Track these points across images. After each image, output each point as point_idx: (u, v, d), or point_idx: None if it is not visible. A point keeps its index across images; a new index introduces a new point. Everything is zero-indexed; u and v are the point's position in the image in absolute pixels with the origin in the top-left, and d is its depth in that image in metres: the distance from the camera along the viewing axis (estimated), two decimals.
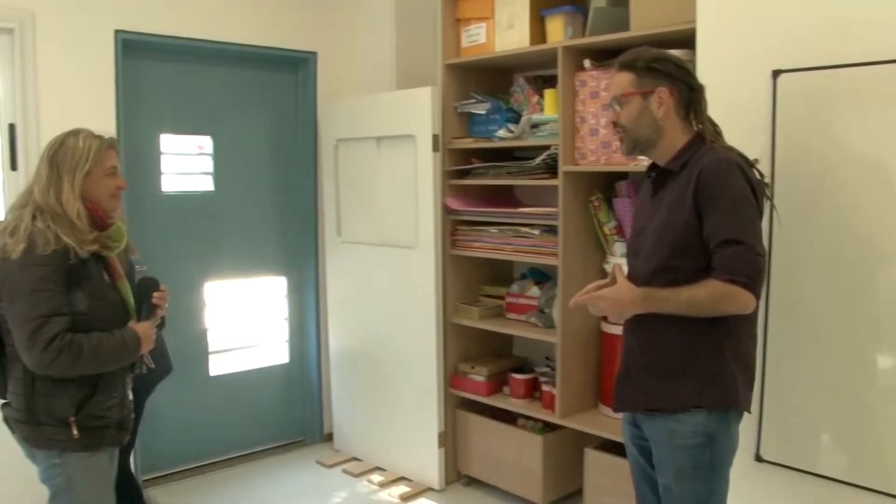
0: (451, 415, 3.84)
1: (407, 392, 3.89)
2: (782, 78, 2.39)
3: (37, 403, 2.10)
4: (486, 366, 3.70)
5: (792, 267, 2.41)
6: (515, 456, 3.56)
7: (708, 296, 1.93)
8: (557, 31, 3.29)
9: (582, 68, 3.17)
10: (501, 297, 3.77)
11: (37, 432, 2.11)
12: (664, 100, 2.06)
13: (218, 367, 4.20)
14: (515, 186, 3.84)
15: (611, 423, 3.16)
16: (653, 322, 2.05)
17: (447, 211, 3.71)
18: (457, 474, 3.89)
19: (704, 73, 2.57)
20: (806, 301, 2.39)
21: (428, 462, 3.82)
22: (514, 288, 3.70)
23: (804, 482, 2.42)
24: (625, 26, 3.00)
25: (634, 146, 2.14)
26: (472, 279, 3.88)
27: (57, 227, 2.07)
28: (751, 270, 1.91)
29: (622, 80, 2.11)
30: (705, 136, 2.10)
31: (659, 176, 2.15)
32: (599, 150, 3.12)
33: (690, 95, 2.10)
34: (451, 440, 3.85)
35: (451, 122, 3.72)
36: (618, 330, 3.09)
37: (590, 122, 3.13)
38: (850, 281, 2.30)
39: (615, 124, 2.15)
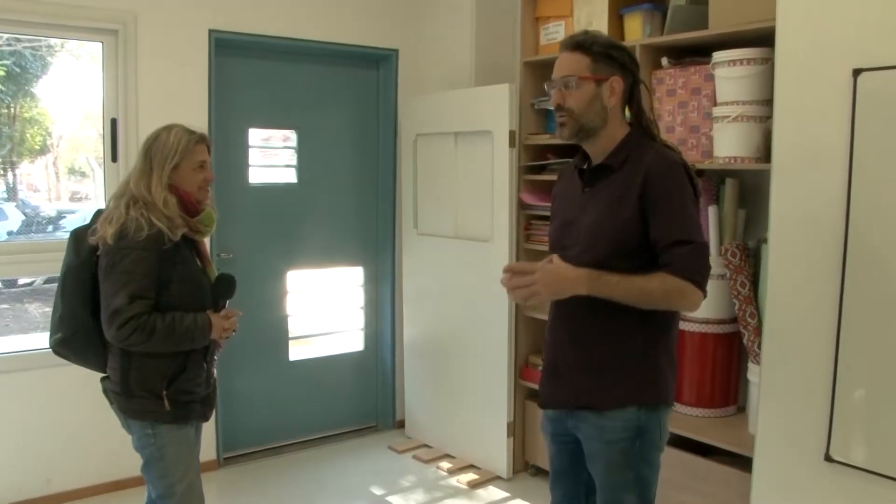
0: (520, 405, 3.91)
1: (478, 382, 3.97)
2: (863, 77, 2.35)
3: (132, 378, 2.27)
4: None
5: (867, 269, 2.38)
6: None
7: (662, 289, 1.88)
8: (636, 29, 3.31)
9: (660, 66, 3.18)
10: None
11: (132, 404, 2.28)
12: (616, 89, 1.99)
13: (297, 352, 4.38)
14: None
15: (677, 419, 3.16)
16: (586, 317, 1.99)
17: (522, 206, 3.77)
18: (524, 464, 3.96)
19: (784, 71, 2.57)
20: (882, 302, 2.36)
21: (496, 451, 3.90)
22: None
23: (874, 484, 2.39)
24: (703, 24, 3.00)
25: (578, 132, 2.02)
26: None
27: (150, 214, 2.22)
28: (704, 270, 1.91)
29: (576, 62, 1.98)
30: (650, 130, 2.04)
31: (595, 170, 2.06)
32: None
33: (633, 89, 2.04)
34: (519, 430, 3.91)
35: (527, 118, 3.78)
36: (690, 327, 3.12)
37: (666, 119, 3.15)
38: None
39: (559, 107, 2.02)
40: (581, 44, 1.99)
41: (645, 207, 1.92)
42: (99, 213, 2.37)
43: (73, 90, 3.68)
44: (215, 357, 2.49)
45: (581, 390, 2.05)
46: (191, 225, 2.34)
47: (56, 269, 2.40)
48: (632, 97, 2.06)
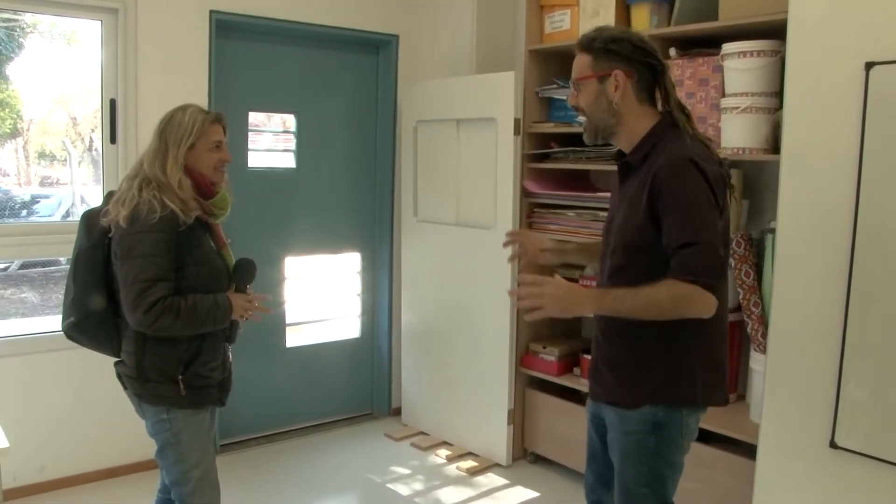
0: (520, 393, 3.93)
1: (478, 369, 3.98)
2: (875, 70, 2.37)
3: (147, 362, 2.25)
4: (558, 346, 3.77)
5: (875, 260, 2.41)
6: (582, 435, 3.59)
7: (668, 296, 1.80)
8: (643, 19, 3.31)
9: (667, 57, 3.18)
10: (576, 280, 3.82)
11: (147, 389, 2.26)
12: (620, 83, 1.95)
13: (294, 339, 4.35)
14: (591, 171, 3.88)
15: None
16: (618, 318, 1.94)
17: (525, 194, 3.78)
18: (523, 451, 3.98)
19: (795, 63, 2.58)
20: (889, 293, 2.39)
21: (496, 438, 3.92)
22: (588, 271, 3.75)
23: (879, 469, 2.43)
24: (712, 15, 3.01)
25: (596, 133, 2.03)
26: None
27: (162, 195, 2.19)
28: (710, 270, 1.81)
29: (580, 63, 2.01)
30: (675, 120, 1.98)
31: (624, 165, 2.05)
32: None
33: (653, 78, 2.00)
34: (519, 418, 3.93)
35: (531, 106, 3.78)
36: None
37: None
38: None
39: (576, 108, 2.05)
40: (582, 43, 2.02)
41: (655, 209, 1.87)
42: (111, 194, 2.33)
43: (44, 72, 3.59)
44: (232, 341, 2.47)
45: (605, 385, 2.10)
46: (205, 208, 2.31)
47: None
48: (657, 85, 2.01)
